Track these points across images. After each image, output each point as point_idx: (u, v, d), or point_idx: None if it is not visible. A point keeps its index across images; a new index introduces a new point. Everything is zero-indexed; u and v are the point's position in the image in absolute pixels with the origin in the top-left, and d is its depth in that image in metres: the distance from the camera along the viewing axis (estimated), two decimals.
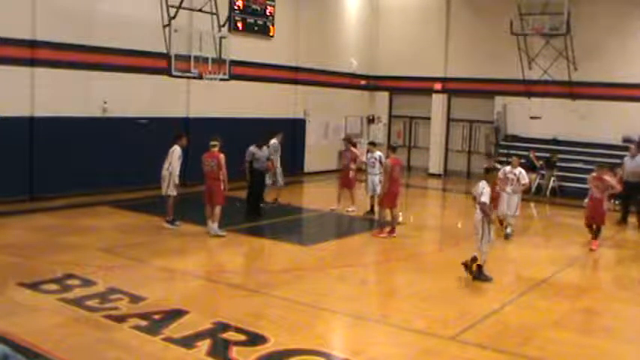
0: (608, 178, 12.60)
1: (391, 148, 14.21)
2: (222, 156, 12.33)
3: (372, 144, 15.54)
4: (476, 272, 9.87)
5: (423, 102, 25.02)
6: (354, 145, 16.54)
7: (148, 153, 14.77)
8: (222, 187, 12.32)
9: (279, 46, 21.13)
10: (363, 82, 25.55)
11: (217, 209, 12.32)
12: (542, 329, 8.03)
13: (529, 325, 8.17)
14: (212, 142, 12.48)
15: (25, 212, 13.59)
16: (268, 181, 15.34)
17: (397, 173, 13.23)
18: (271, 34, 20.86)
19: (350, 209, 15.31)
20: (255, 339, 7.10)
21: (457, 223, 16.03)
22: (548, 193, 19.78)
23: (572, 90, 21.61)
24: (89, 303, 8.08)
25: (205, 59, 14.57)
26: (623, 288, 10.44)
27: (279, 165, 15.76)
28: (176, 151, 12.65)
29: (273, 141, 15.64)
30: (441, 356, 7.09)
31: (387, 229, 13.04)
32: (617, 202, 18.65)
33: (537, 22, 21.02)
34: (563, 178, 19.69)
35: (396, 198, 13.18)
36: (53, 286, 8.68)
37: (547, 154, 20.57)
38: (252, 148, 14.51)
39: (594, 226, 12.73)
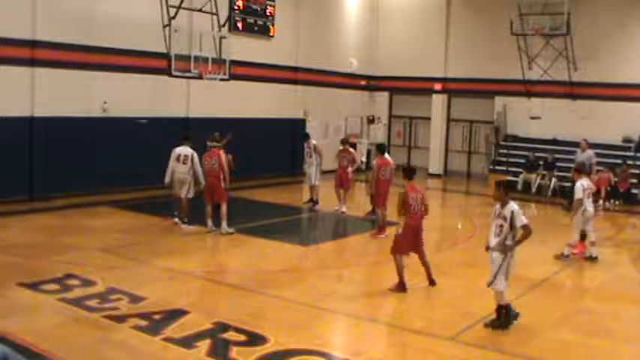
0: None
1: (379, 150, 14.08)
2: (223, 155, 12.37)
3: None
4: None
5: (423, 102, 25.03)
6: (352, 146, 16.53)
7: (148, 153, 14.78)
8: (221, 185, 12.38)
9: (279, 46, 21.12)
10: (363, 82, 25.55)
11: (224, 207, 12.38)
12: (542, 329, 8.03)
13: (529, 325, 8.16)
14: (211, 142, 12.52)
15: (25, 212, 13.59)
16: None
17: (385, 174, 13.06)
18: (271, 34, 20.86)
19: (342, 209, 15.32)
20: (255, 339, 7.10)
21: (457, 224, 16.00)
22: (550, 193, 19.78)
23: (572, 90, 21.61)
24: (89, 303, 8.08)
25: (205, 59, 14.57)
26: (623, 288, 10.43)
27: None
28: (195, 155, 12.65)
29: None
30: (440, 356, 7.08)
31: (375, 230, 13.06)
32: (617, 202, 18.72)
33: (537, 22, 21.04)
34: (564, 178, 19.68)
35: (383, 198, 13.06)
36: (53, 286, 8.68)
37: (544, 154, 20.58)
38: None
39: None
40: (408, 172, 9.66)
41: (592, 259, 11.64)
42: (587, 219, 11.56)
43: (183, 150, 12.68)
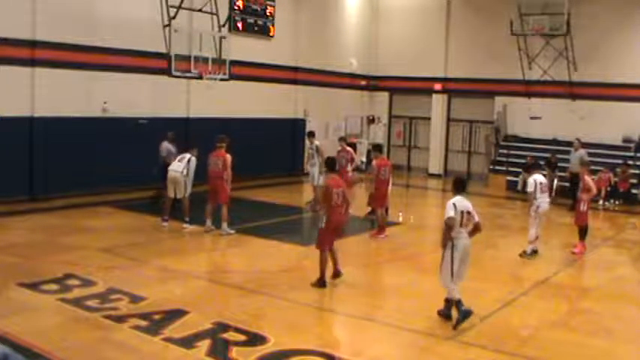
0: (587, 178, 12.33)
1: (378, 150, 14.03)
2: (228, 156, 12.39)
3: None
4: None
5: (423, 102, 25.03)
6: (350, 146, 16.53)
7: (148, 153, 14.78)
8: (224, 186, 12.36)
9: (279, 46, 21.13)
10: (363, 82, 25.56)
11: (224, 209, 12.36)
12: (542, 329, 8.03)
13: (529, 325, 8.17)
14: (218, 143, 12.53)
15: (25, 212, 13.59)
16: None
17: (385, 174, 13.08)
18: (271, 34, 20.87)
19: None
20: (255, 339, 7.10)
21: None
22: (553, 193, 19.73)
23: (572, 90, 21.61)
24: (89, 303, 8.08)
25: (205, 59, 14.56)
26: (623, 288, 10.43)
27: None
28: (193, 159, 12.69)
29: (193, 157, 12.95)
30: (440, 356, 7.09)
31: (374, 231, 13.04)
32: (617, 202, 18.72)
33: (537, 22, 21.02)
34: (564, 178, 19.66)
35: (383, 198, 13.09)
36: (53, 286, 8.69)
37: (546, 155, 20.54)
38: (167, 144, 14.47)
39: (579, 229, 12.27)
40: (331, 164, 9.78)
41: (528, 254, 11.58)
42: (540, 215, 11.55)
43: (183, 154, 12.89)
